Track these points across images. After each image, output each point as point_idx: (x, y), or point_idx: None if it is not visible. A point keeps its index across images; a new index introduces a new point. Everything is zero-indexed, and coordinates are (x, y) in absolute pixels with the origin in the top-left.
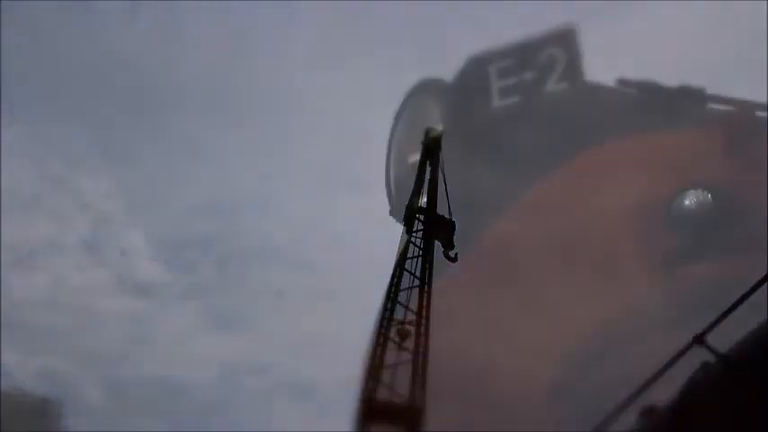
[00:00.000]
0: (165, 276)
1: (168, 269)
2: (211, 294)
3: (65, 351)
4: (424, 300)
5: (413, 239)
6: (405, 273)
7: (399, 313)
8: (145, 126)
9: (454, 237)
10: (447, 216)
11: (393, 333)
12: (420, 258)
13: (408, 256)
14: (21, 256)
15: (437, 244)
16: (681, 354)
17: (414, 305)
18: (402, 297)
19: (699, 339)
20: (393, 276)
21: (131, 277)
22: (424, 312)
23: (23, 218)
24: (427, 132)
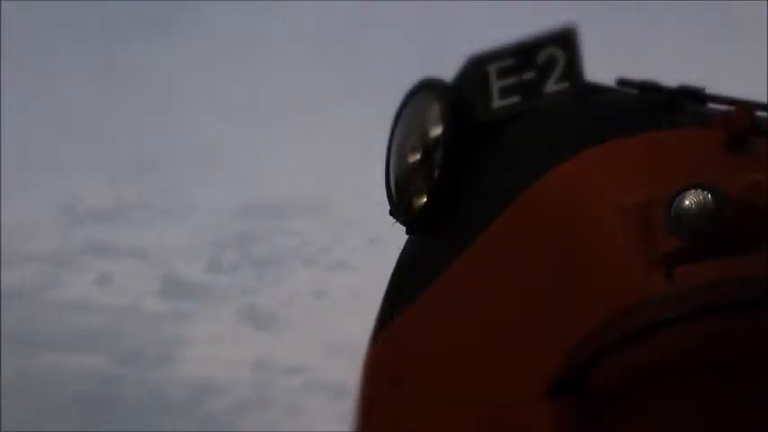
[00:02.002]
0: (205, 276)
1: (208, 269)
2: (250, 294)
3: (105, 351)
4: None
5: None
6: None
7: None
8: (173, 127)
9: None
10: None
11: None
12: None
13: None
14: (67, 256)
15: None
16: None
17: None
18: None
19: None
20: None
21: (172, 278)
22: None
23: (64, 220)
24: (427, 132)
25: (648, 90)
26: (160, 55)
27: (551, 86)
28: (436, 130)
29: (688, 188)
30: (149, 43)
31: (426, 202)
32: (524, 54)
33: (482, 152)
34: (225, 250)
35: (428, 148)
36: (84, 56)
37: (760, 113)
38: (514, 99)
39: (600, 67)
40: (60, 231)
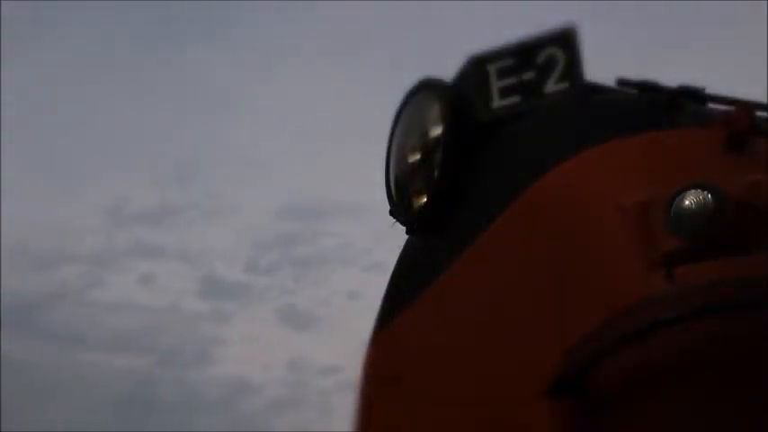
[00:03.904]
0: (244, 277)
1: (247, 270)
2: (288, 295)
3: (144, 351)
4: None
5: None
6: None
7: None
8: (218, 131)
9: None
10: None
11: None
12: None
13: None
14: (110, 258)
15: None
16: None
17: None
18: None
19: None
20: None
21: (212, 278)
22: None
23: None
24: (427, 132)
25: (648, 90)
26: (205, 62)
27: (551, 86)
28: (436, 130)
29: (688, 188)
30: (196, 50)
31: (426, 202)
32: (524, 54)
33: (482, 152)
34: (266, 251)
35: (428, 148)
36: (133, 61)
37: (760, 113)
38: (514, 99)
39: (600, 67)
40: (105, 233)
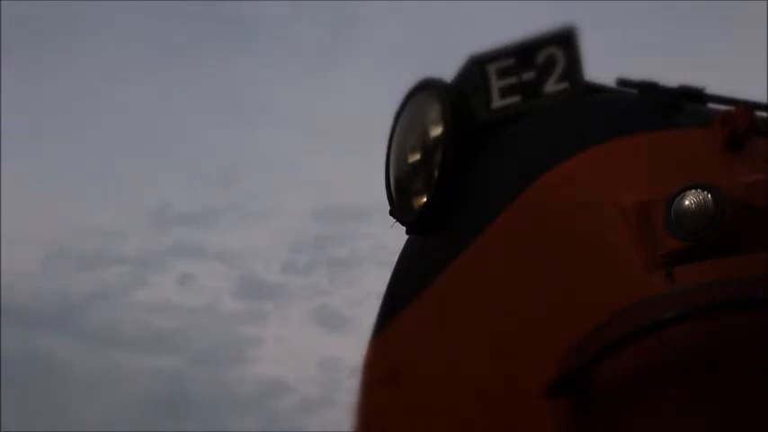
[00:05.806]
0: (280, 278)
1: (283, 271)
2: (323, 296)
3: (182, 350)
4: None
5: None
6: None
7: None
8: (258, 135)
9: None
10: None
11: None
12: None
13: None
14: (152, 259)
15: None
16: None
17: None
18: None
19: None
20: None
21: (249, 279)
22: None
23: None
24: (427, 132)
25: (648, 90)
26: (248, 68)
27: (551, 86)
28: (436, 130)
29: (688, 188)
30: (239, 56)
31: (426, 202)
32: (524, 54)
33: (482, 152)
34: (302, 252)
35: (428, 148)
36: (176, 67)
37: (760, 113)
38: (514, 99)
39: (600, 67)
40: (148, 234)
